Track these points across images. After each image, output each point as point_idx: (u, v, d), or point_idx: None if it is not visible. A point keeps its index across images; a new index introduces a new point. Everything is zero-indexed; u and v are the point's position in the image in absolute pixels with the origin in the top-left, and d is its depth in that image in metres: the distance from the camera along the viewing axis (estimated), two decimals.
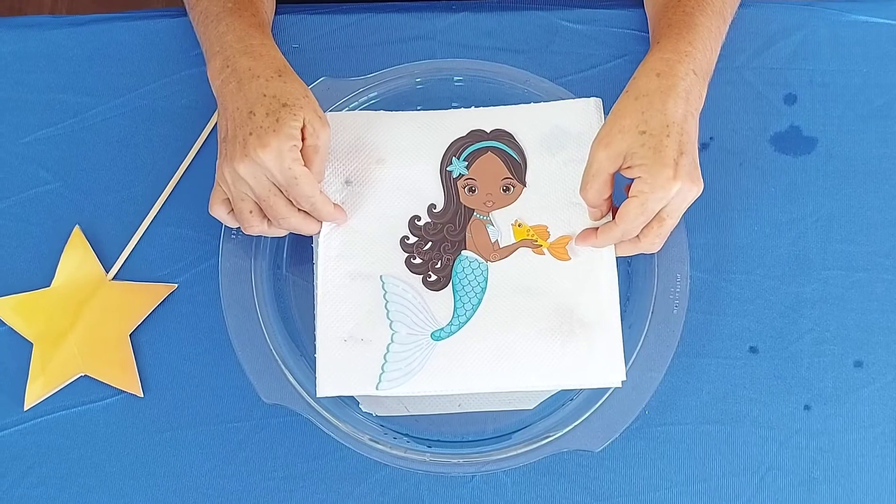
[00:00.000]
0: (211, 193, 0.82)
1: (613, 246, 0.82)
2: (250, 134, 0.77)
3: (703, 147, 0.91)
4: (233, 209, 0.81)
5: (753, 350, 0.87)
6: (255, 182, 0.78)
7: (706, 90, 0.82)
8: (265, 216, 0.80)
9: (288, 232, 0.83)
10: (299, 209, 0.81)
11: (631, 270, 0.86)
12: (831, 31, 0.95)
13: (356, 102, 0.89)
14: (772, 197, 0.91)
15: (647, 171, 0.76)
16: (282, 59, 0.82)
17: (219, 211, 0.82)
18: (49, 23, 0.93)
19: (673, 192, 0.76)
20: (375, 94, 0.89)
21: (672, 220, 0.79)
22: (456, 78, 0.89)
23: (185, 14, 0.91)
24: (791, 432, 0.85)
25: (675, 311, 0.83)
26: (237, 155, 0.77)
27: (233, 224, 0.82)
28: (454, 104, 0.90)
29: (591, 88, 0.91)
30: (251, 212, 0.80)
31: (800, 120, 0.93)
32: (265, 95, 0.78)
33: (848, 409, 0.86)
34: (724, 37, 0.86)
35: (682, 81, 0.79)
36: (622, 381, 0.81)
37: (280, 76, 0.80)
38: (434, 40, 0.94)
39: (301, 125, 0.78)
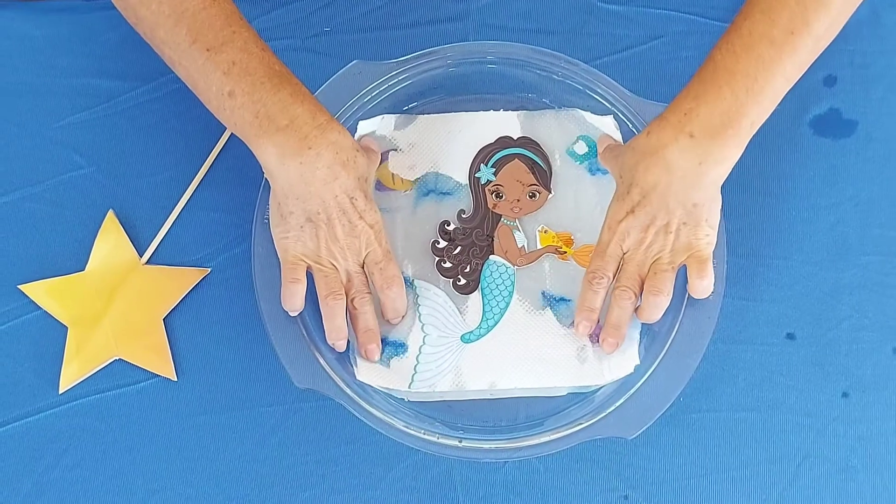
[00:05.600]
0: (286, 268, 0.81)
1: None
2: (360, 217, 0.80)
3: None
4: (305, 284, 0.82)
5: (790, 336, 0.86)
6: (353, 256, 0.81)
7: (718, 145, 0.75)
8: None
9: (342, 338, 0.82)
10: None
11: None
12: (872, 11, 0.93)
13: (389, 85, 0.88)
14: (810, 181, 0.89)
15: (611, 203, 0.81)
16: (345, 130, 0.81)
17: (300, 288, 0.81)
18: (81, 7, 0.93)
19: (620, 230, 0.80)
20: (407, 76, 0.88)
21: (631, 267, 0.80)
22: (489, 60, 0.88)
23: None
24: (829, 420, 0.84)
25: (710, 297, 0.82)
26: (340, 233, 0.80)
27: (298, 307, 0.82)
28: (487, 88, 0.89)
29: (626, 70, 0.90)
30: (341, 282, 0.82)
31: (840, 102, 0.91)
32: (359, 178, 0.80)
33: (887, 397, 0.84)
34: (774, 66, 0.75)
35: (666, 149, 0.76)
36: (635, 366, 0.82)
37: (359, 151, 0.81)
38: (467, 22, 0.93)
39: None
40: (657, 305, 0.80)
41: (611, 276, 0.81)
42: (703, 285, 0.80)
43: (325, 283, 0.81)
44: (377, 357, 0.83)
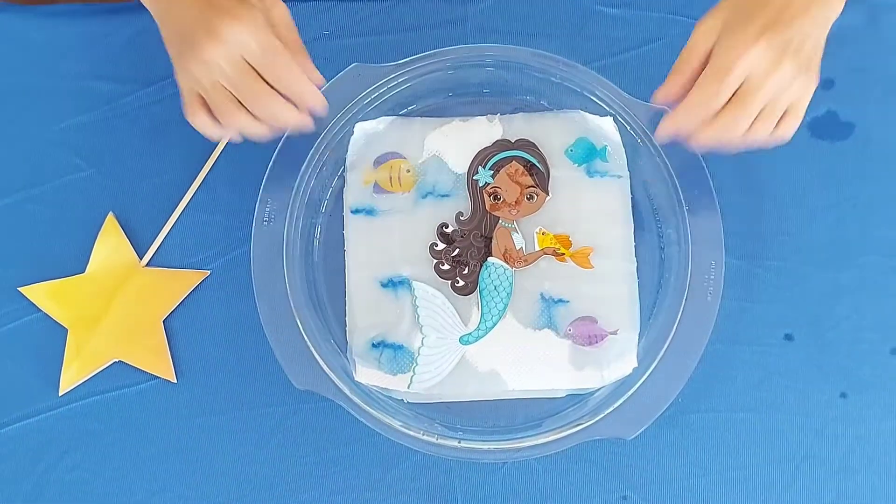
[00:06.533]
0: (183, 104, 0.74)
1: (634, 256, 0.85)
2: (216, 16, 0.70)
3: None
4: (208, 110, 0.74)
5: (789, 338, 0.86)
6: (228, 64, 0.71)
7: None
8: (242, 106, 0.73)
9: (272, 133, 0.75)
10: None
11: (665, 257, 0.86)
12: (869, 14, 0.93)
13: (388, 88, 0.88)
14: (808, 183, 0.89)
15: (730, 29, 0.71)
16: None
17: (200, 116, 0.74)
18: (82, 10, 0.94)
19: (752, 53, 0.70)
20: (407, 79, 0.88)
21: (754, 99, 0.71)
22: (488, 63, 0.89)
23: None
24: (827, 420, 0.84)
25: (709, 298, 0.82)
26: (202, 41, 0.70)
27: (215, 132, 0.75)
28: (486, 91, 0.90)
29: (624, 73, 0.90)
30: (230, 99, 0.72)
31: (837, 105, 0.91)
32: None
33: (886, 397, 0.85)
34: None
35: None
36: (633, 368, 0.83)
37: None
38: (465, 25, 0.93)
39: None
40: (764, 134, 0.74)
41: (724, 102, 0.72)
42: (787, 135, 0.75)
43: (215, 107, 0.73)
44: (322, 109, 0.76)
